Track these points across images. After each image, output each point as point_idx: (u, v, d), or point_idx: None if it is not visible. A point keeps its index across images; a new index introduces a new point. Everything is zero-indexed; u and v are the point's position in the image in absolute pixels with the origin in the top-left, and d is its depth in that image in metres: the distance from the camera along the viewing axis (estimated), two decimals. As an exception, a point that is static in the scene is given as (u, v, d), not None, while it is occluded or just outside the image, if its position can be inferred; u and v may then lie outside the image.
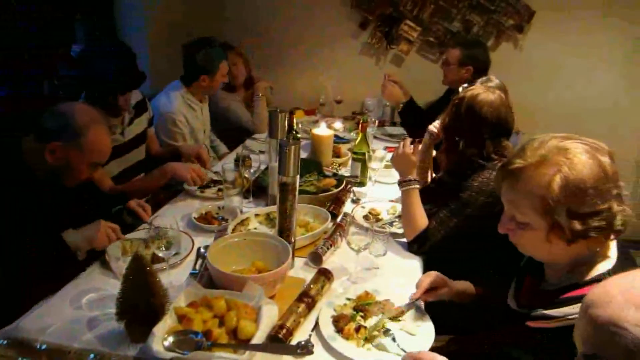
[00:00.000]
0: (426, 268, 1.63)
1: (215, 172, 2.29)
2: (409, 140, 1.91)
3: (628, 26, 3.13)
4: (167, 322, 1.17)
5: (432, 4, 3.26)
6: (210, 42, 2.61)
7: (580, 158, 0.97)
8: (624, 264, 1.03)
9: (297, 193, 1.51)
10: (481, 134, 1.70)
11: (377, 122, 3.06)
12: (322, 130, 2.46)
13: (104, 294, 1.36)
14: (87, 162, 1.57)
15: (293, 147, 1.41)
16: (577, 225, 0.96)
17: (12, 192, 1.45)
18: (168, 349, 1.08)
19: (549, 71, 3.31)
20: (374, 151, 2.34)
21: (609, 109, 3.27)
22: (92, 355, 1.16)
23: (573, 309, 0.97)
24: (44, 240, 1.46)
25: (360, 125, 2.33)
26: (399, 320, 1.35)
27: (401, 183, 1.84)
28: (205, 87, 2.68)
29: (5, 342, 1.19)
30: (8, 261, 1.37)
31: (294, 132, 2.40)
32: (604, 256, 1.05)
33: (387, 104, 3.46)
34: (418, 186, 1.84)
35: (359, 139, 2.31)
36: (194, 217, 1.82)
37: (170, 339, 1.10)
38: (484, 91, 1.72)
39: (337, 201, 2.03)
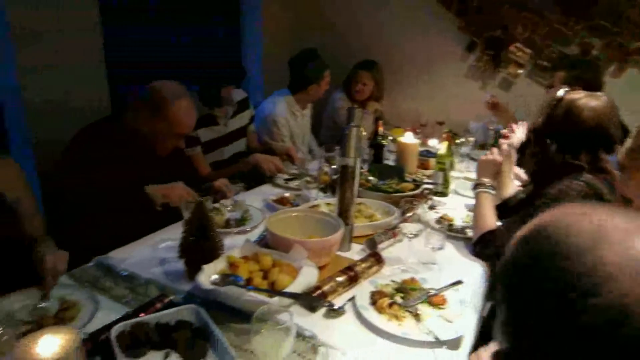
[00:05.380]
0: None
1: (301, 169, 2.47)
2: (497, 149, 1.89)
3: None
4: (218, 265, 1.33)
5: (546, 25, 3.14)
6: (314, 54, 2.85)
7: None
8: None
9: (357, 177, 1.60)
10: (577, 141, 1.57)
11: (474, 141, 3.00)
12: (407, 138, 2.51)
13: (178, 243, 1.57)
14: (171, 132, 1.78)
15: (354, 129, 1.51)
16: None
17: (119, 159, 1.73)
18: (211, 283, 1.23)
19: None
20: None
21: None
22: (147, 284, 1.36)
23: None
24: (134, 193, 1.72)
25: (446, 135, 2.33)
26: (440, 309, 1.34)
27: (477, 186, 1.83)
28: (312, 95, 2.94)
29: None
30: (107, 207, 1.65)
31: (379, 138, 2.49)
32: None
33: (492, 127, 3.37)
34: (492, 192, 1.80)
35: (443, 148, 2.31)
36: (271, 199, 2.00)
37: (216, 276, 1.25)
38: (586, 96, 1.59)
39: (410, 203, 2.05)
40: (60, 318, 1.20)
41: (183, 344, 1.10)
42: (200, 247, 1.33)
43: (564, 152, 1.58)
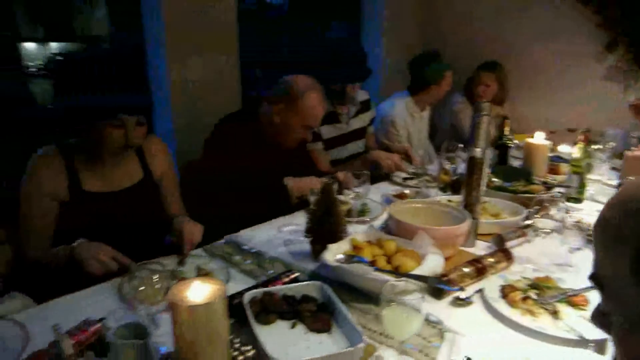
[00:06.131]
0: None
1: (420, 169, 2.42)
2: None
3: None
4: (342, 246, 1.35)
5: None
6: (435, 55, 2.80)
7: None
8: None
9: (485, 169, 1.53)
10: None
11: (613, 147, 2.71)
12: (537, 139, 2.34)
13: (302, 227, 1.61)
14: (301, 124, 1.86)
15: (484, 118, 1.45)
16: None
17: (253, 149, 1.84)
18: (337, 261, 1.25)
19: None
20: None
21: None
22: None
23: None
24: (270, 184, 1.83)
25: (583, 136, 2.13)
26: (581, 309, 1.22)
27: None
28: (433, 96, 2.89)
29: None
30: (238, 192, 1.75)
31: (504, 139, 2.36)
32: None
33: (635, 134, 3.01)
34: None
35: (580, 149, 2.12)
36: (391, 194, 1.99)
37: (341, 256, 1.27)
38: None
39: (541, 204, 1.91)
40: (199, 283, 1.30)
41: (309, 316, 1.13)
42: (326, 227, 1.37)
43: None
